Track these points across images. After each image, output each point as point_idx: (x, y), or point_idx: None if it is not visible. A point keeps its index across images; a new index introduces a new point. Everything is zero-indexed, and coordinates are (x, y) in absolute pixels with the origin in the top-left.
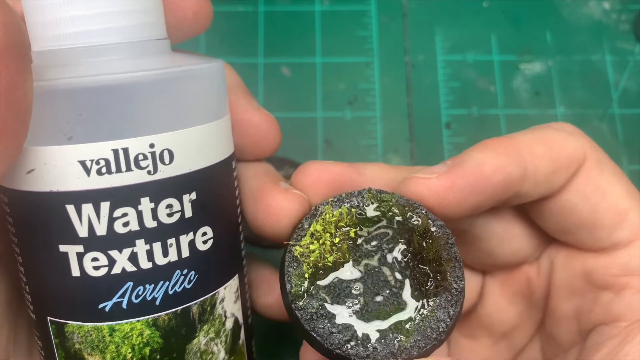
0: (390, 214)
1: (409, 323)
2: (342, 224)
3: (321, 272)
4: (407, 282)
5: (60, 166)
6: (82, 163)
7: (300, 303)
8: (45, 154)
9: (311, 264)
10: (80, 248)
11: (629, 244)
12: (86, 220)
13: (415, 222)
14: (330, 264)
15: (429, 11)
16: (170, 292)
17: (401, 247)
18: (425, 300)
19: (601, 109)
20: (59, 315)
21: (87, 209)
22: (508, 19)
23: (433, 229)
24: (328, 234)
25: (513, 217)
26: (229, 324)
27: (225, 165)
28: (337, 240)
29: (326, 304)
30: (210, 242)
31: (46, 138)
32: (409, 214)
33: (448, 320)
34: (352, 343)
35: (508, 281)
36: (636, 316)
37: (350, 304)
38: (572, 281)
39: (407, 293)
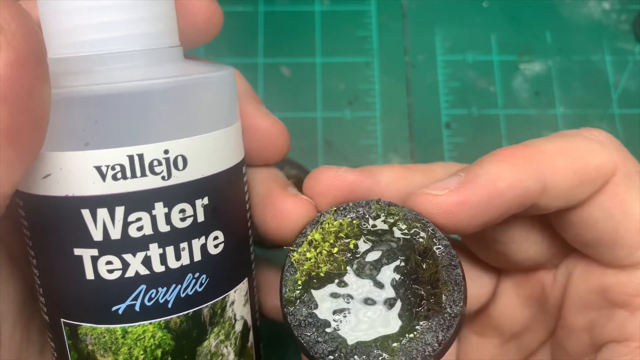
0: (395, 227)
1: (396, 342)
2: (342, 235)
3: (314, 280)
4: (399, 300)
5: (76, 171)
6: (98, 168)
7: (292, 308)
8: (61, 160)
9: (304, 272)
10: (94, 252)
11: None
12: (101, 224)
13: (420, 240)
14: (322, 275)
15: (429, 11)
16: (182, 295)
17: (399, 263)
18: (415, 322)
19: (601, 109)
20: (72, 317)
21: (102, 213)
22: (508, 19)
23: (438, 248)
24: (327, 244)
25: (533, 224)
26: (239, 327)
27: (236, 171)
28: (335, 250)
29: (316, 312)
30: (221, 246)
31: (62, 144)
32: (414, 230)
33: (436, 344)
34: (336, 355)
35: (523, 283)
36: None
37: (340, 316)
38: (587, 295)
39: (397, 312)
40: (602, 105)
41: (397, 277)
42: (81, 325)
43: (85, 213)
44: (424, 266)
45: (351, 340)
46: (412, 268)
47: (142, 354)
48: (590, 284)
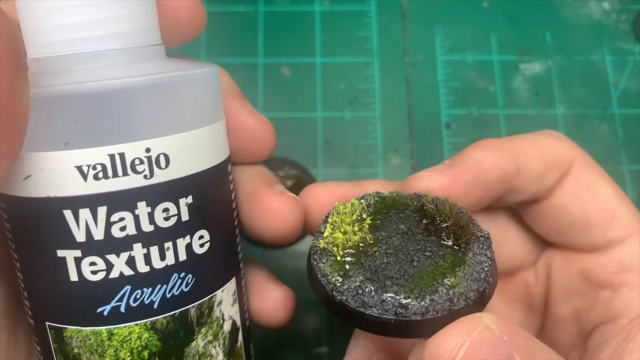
0: (396, 203)
1: (453, 274)
2: (357, 215)
3: (352, 252)
4: (436, 242)
5: (57, 172)
6: (79, 168)
7: (343, 287)
8: (42, 160)
9: (340, 247)
10: (78, 253)
11: (622, 242)
12: (83, 225)
13: (421, 204)
14: (359, 242)
15: (429, 11)
16: (168, 296)
17: (417, 220)
18: (459, 252)
19: (601, 109)
20: (57, 320)
21: (85, 213)
22: (508, 19)
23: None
24: (347, 220)
25: (508, 223)
26: (227, 327)
27: (221, 169)
28: (356, 228)
29: (367, 281)
30: (207, 246)
31: (43, 144)
32: (413, 202)
33: (489, 260)
34: (408, 301)
35: (507, 288)
36: (636, 313)
37: (391, 275)
38: (570, 282)
39: (440, 251)
40: (602, 105)
41: (423, 228)
42: (66, 328)
43: (68, 214)
44: (441, 208)
45: (412, 288)
46: (432, 214)
47: (128, 356)
48: (570, 271)
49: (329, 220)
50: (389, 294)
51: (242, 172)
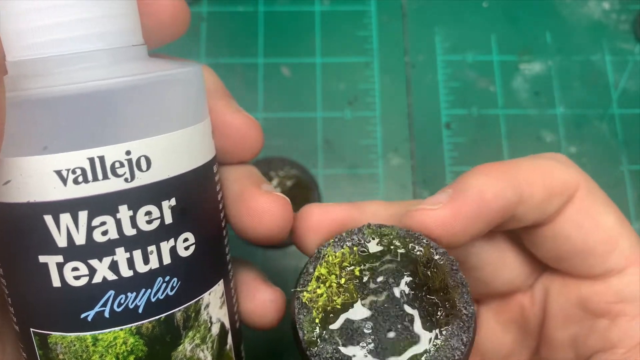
0: (392, 247)
1: (424, 355)
2: (346, 264)
3: (331, 315)
4: (417, 314)
5: (36, 176)
6: (58, 173)
7: (315, 349)
8: (21, 165)
9: (320, 309)
10: (60, 258)
11: (621, 271)
12: (65, 230)
13: (418, 253)
14: (339, 307)
15: (429, 11)
16: (153, 300)
17: (407, 279)
18: (437, 331)
19: (601, 109)
20: (41, 326)
21: (65, 218)
22: (508, 19)
23: (436, 257)
24: (333, 276)
25: (507, 246)
26: (215, 330)
27: (205, 170)
28: (343, 281)
29: (340, 347)
30: (192, 248)
31: (21, 149)
32: (410, 245)
33: (462, 347)
34: None
35: (502, 309)
36: (633, 342)
37: (364, 344)
38: (567, 309)
39: (418, 325)
40: (602, 105)
41: (408, 292)
42: (50, 334)
43: (48, 219)
44: (431, 275)
45: None
46: (421, 280)
47: None
48: (569, 297)
49: (315, 272)
50: None
51: (230, 172)
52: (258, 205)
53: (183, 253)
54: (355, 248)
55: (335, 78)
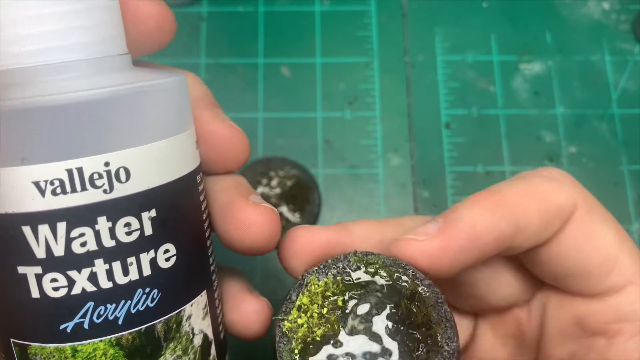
0: (377, 276)
1: None
2: (329, 293)
3: (311, 346)
4: (397, 349)
5: (14, 187)
6: (37, 184)
7: None
8: None
9: (299, 340)
10: (38, 269)
11: (620, 290)
12: (43, 241)
13: (404, 284)
14: (318, 338)
15: (428, 11)
16: (133, 311)
17: (390, 311)
18: None
19: (601, 109)
20: (21, 336)
21: (44, 230)
22: (508, 19)
23: (421, 289)
24: (315, 305)
25: (503, 264)
26: (198, 341)
27: (188, 180)
28: (325, 310)
29: None
30: (173, 259)
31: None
32: (396, 274)
33: None
34: None
35: (499, 323)
36: None
37: None
38: (564, 327)
39: (400, 358)
40: (602, 105)
41: (391, 325)
42: (30, 345)
43: (27, 230)
44: (414, 309)
45: None
46: (404, 313)
47: None
48: (566, 315)
49: (297, 301)
50: None
51: (216, 182)
52: (245, 217)
53: (164, 264)
54: (339, 278)
55: (335, 78)
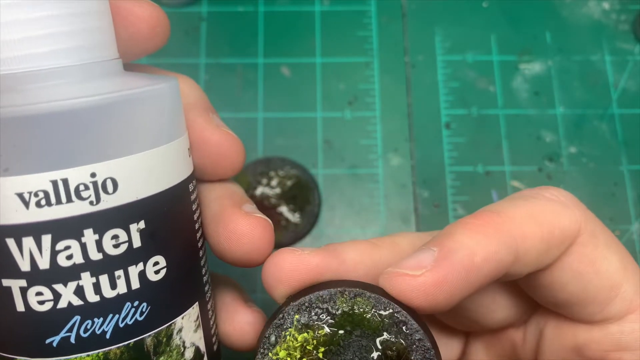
0: (364, 325)
1: None
2: (309, 347)
3: None
4: None
5: None
6: (20, 195)
7: None
8: None
9: None
10: (23, 282)
11: (621, 318)
12: (27, 254)
13: (392, 340)
14: None
15: (428, 11)
16: (121, 325)
17: (378, 354)
18: None
19: (601, 109)
20: (7, 350)
21: (28, 242)
22: (508, 19)
23: (411, 346)
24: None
25: (500, 287)
26: (189, 354)
27: (179, 190)
28: None
29: None
30: (163, 272)
31: None
32: (386, 321)
33: None
34: None
35: (492, 343)
36: None
37: None
38: (562, 353)
39: None
40: (602, 105)
41: None
42: (16, 359)
43: (10, 242)
44: None
45: None
46: None
47: None
48: (564, 341)
49: (274, 352)
50: None
51: (210, 190)
52: (237, 228)
53: (153, 277)
54: (320, 332)
55: (335, 78)
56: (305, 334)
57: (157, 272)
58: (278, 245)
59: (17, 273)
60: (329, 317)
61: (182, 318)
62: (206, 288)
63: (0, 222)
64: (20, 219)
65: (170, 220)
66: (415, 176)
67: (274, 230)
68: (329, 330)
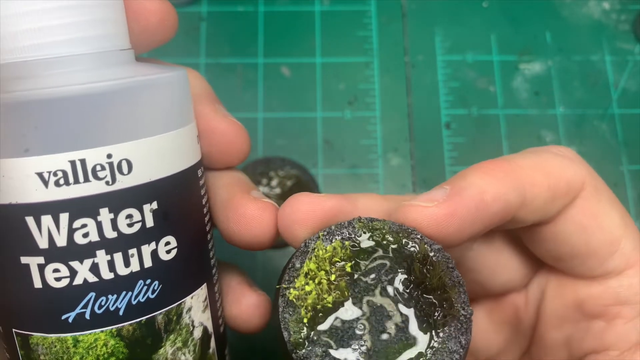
0: (384, 242)
1: (421, 359)
2: (337, 259)
3: (321, 314)
4: (412, 314)
5: (17, 178)
6: (40, 175)
7: (302, 352)
8: (2, 167)
9: (309, 307)
10: (41, 259)
11: (620, 273)
12: (46, 231)
13: (412, 249)
14: (329, 305)
15: (428, 11)
16: (134, 302)
17: (401, 277)
18: (434, 332)
19: (601, 109)
20: (23, 327)
21: (47, 220)
22: (508, 19)
23: (431, 254)
24: (323, 272)
25: (504, 246)
26: (198, 333)
27: (189, 174)
28: (333, 277)
29: (330, 350)
30: (174, 252)
31: (3, 151)
32: (404, 240)
33: (461, 350)
34: None
35: (495, 309)
36: (627, 345)
37: (356, 346)
38: (562, 310)
39: (414, 326)
40: (602, 105)
41: (403, 290)
42: (32, 335)
43: (30, 220)
44: (427, 273)
45: None
46: (417, 278)
47: None
48: (564, 298)
49: (304, 267)
50: None
51: (218, 178)
52: (247, 212)
53: (165, 256)
54: (346, 242)
55: (335, 78)
56: (333, 245)
57: (168, 251)
58: (278, 244)
59: (35, 250)
60: (350, 240)
61: (192, 298)
62: (213, 271)
63: (20, 200)
64: (40, 197)
65: (181, 203)
66: (415, 176)
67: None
68: (353, 248)
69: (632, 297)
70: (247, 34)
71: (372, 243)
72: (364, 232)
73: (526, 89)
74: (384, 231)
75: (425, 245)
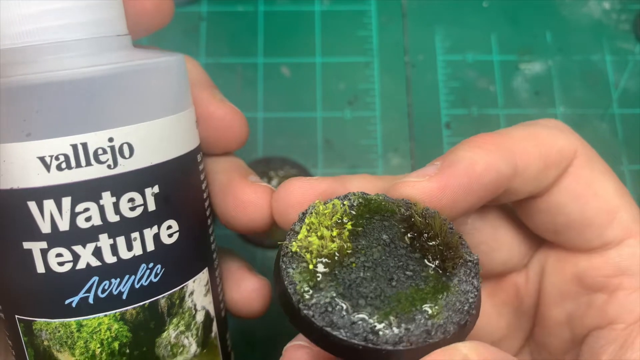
0: (381, 209)
1: (434, 301)
2: (337, 217)
3: (327, 261)
4: (419, 260)
5: (19, 163)
6: (42, 159)
7: (311, 300)
8: (3, 152)
9: (314, 253)
10: (43, 244)
11: (619, 243)
12: (48, 216)
13: (408, 214)
14: (335, 251)
15: (428, 11)
16: (137, 286)
17: (403, 231)
18: (444, 276)
19: (601, 109)
20: (26, 312)
21: (49, 205)
22: (508, 19)
23: (429, 210)
24: (324, 228)
25: (501, 223)
26: (200, 317)
27: (189, 158)
28: (335, 232)
29: (339, 298)
30: (176, 236)
31: (4, 135)
32: (399, 208)
33: (475, 290)
34: (381, 327)
35: (496, 291)
36: (633, 318)
37: (366, 293)
38: (563, 285)
39: (422, 271)
40: (602, 105)
41: (408, 241)
42: (35, 320)
43: (32, 205)
44: (430, 223)
45: (389, 312)
46: (420, 228)
47: (98, 347)
48: (565, 273)
49: (306, 220)
50: (360, 315)
51: (216, 163)
52: (244, 197)
53: (167, 240)
54: (345, 202)
55: (335, 78)
56: (334, 202)
57: (170, 235)
58: (277, 244)
59: (38, 235)
60: (349, 207)
61: (194, 281)
62: (214, 255)
63: (22, 185)
64: (42, 182)
65: (181, 187)
66: None
67: (273, 230)
68: (351, 212)
69: (633, 267)
70: (247, 34)
71: (369, 212)
72: (360, 202)
73: (526, 88)
74: (378, 202)
75: (422, 206)
